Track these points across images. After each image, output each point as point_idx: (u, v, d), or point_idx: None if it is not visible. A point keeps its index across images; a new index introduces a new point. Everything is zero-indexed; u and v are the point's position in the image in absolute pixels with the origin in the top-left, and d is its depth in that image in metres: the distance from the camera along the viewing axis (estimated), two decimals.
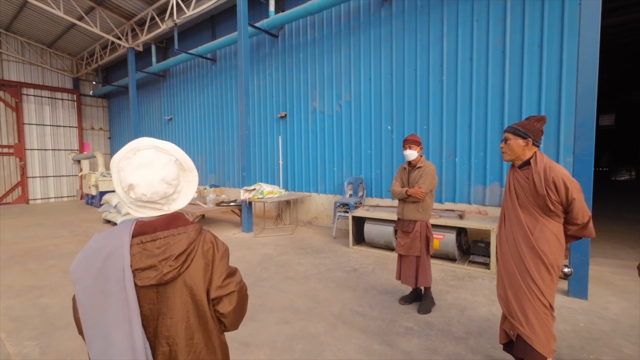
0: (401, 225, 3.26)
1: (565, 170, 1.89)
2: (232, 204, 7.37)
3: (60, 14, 9.02)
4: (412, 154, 3.17)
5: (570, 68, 4.30)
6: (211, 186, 8.88)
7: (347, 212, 5.90)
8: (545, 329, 1.84)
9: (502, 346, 2.20)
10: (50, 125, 13.49)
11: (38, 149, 13.18)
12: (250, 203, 6.79)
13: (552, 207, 1.86)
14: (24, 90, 12.77)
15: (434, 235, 4.49)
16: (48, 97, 13.41)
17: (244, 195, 6.63)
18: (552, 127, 4.48)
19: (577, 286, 3.38)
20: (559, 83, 4.41)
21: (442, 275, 4.15)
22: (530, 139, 1.94)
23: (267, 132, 8.30)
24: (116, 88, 13.31)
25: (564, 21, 4.33)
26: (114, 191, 10.04)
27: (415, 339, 2.72)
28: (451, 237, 4.50)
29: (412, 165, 3.23)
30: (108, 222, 8.07)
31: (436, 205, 5.47)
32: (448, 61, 5.35)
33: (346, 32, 6.63)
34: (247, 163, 6.86)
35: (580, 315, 3.06)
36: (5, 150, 12.40)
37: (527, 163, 1.98)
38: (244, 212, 6.86)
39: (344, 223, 6.42)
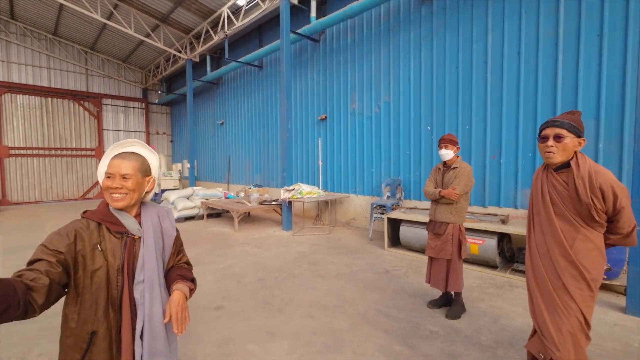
0: (432, 227, 3.19)
1: (612, 174, 1.66)
2: (273, 203, 7.72)
3: (132, 32, 10.25)
4: (448, 153, 3.08)
5: (636, 57, 3.81)
6: (255, 186, 9.38)
7: (384, 214, 5.85)
8: (580, 352, 1.69)
9: None
10: (124, 131, 15.33)
11: None
12: (289, 202, 7.06)
13: (596, 217, 1.65)
14: (104, 101, 14.71)
15: (472, 240, 4.29)
16: (122, 106, 15.27)
17: (283, 194, 6.91)
18: (614, 125, 4.00)
19: (636, 303, 2.99)
20: (623, 75, 3.93)
21: (478, 282, 3.94)
22: (583, 139, 1.71)
23: (309, 134, 8.54)
24: (177, 96, 14.69)
25: (629, 3, 3.85)
26: (172, 189, 11.08)
27: (439, 343, 2.66)
28: (492, 242, 4.24)
29: (447, 165, 3.14)
30: None
31: (478, 209, 5.19)
32: (493, 57, 5.06)
33: (385, 32, 6.58)
34: (288, 164, 7.15)
35: (635, 334, 2.71)
36: (89, 152, 14.38)
37: (564, 165, 1.74)
38: (284, 211, 7.15)
39: (381, 225, 6.36)
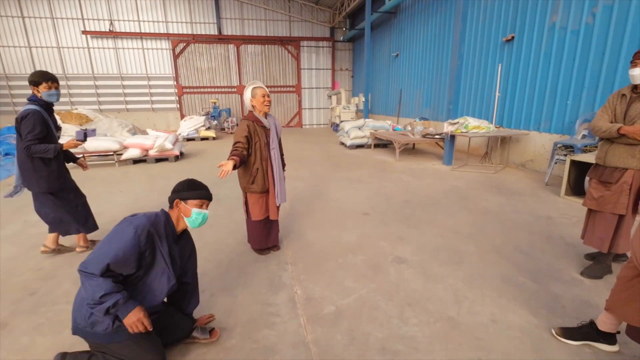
0: (599, 174, 2.54)
1: None
2: (436, 136, 7.62)
3: None
4: None
5: None
6: (421, 119, 9.31)
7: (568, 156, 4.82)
8: None
9: None
10: (315, 69, 17.77)
11: (308, 88, 17.95)
12: (452, 137, 6.81)
13: None
14: (302, 43, 17.26)
15: None
16: (314, 47, 17.48)
17: (447, 128, 6.71)
18: None
19: None
20: None
21: None
22: None
23: (488, 60, 7.45)
24: (358, 32, 15.36)
25: None
26: (349, 120, 12.50)
27: (577, 290, 2.44)
28: None
29: (638, 91, 2.36)
30: (342, 144, 10.44)
31: None
32: None
33: None
34: (455, 95, 6.72)
35: None
36: (290, 89, 17.79)
37: None
38: (446, 145, 6.99)
39: (563, 169, 5.28)
